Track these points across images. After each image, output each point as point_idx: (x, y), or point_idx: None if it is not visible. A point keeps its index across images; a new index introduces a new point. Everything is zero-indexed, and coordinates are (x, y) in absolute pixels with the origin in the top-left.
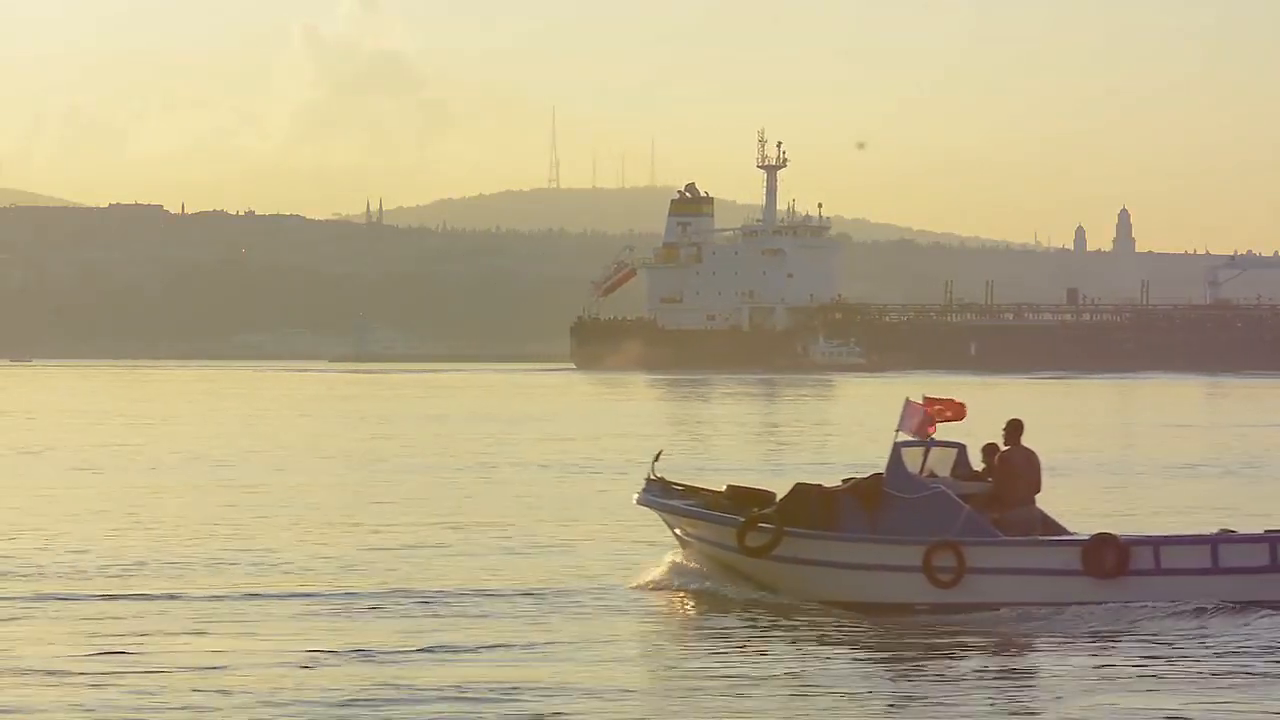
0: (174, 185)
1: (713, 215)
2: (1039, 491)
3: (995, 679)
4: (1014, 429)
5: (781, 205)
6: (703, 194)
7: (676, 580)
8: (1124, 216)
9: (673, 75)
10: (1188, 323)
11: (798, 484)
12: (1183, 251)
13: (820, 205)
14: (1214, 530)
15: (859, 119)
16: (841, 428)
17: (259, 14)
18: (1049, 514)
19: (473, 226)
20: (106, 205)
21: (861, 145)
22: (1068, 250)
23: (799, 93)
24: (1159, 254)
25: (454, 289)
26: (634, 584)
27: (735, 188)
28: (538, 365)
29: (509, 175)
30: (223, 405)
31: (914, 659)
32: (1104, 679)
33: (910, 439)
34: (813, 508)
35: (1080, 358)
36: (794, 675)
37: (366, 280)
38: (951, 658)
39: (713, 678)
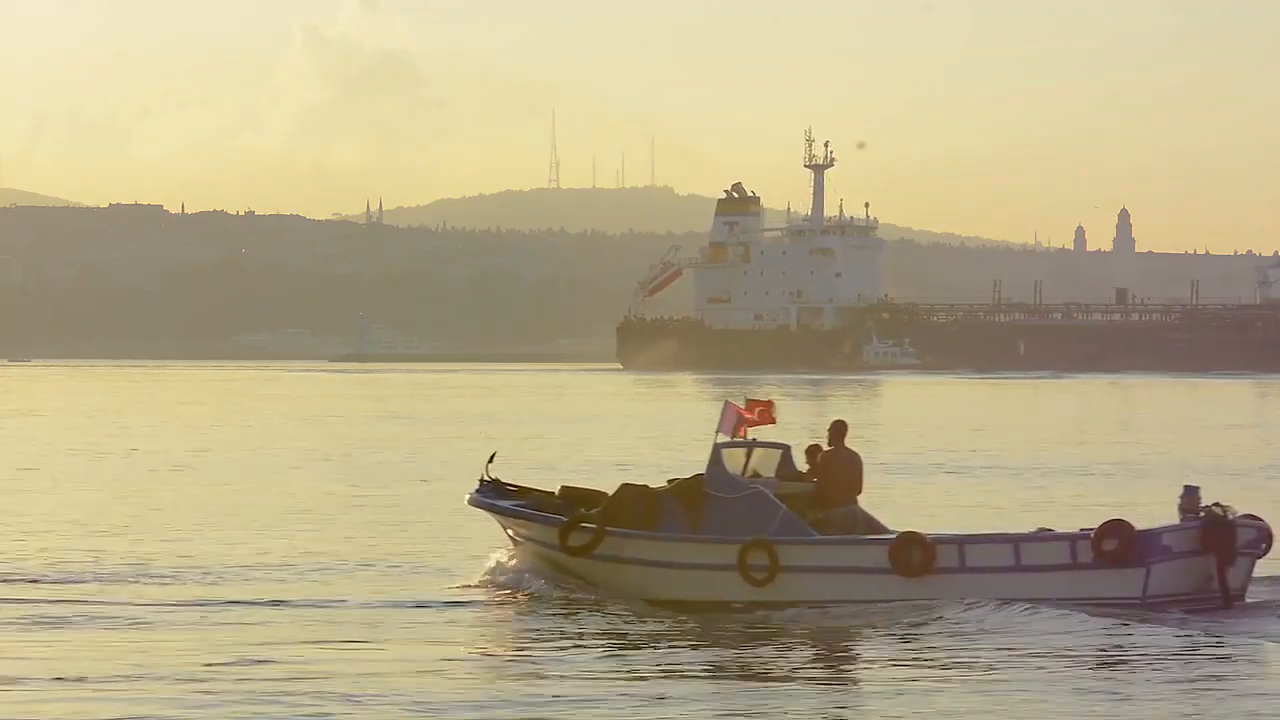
0: (174, 185)
1: (760, 215)
2: (860, 492)
3: (796, 677)
4: (837, 430)
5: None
6: (749, 194)
7: (506, 580)
8: (1124, 216)
9: (673, 76)
10: (1237, 322)
11: (623, 484)
12: (1183, 251)
13: (867, 205)
14: (1033, 529)
15: (859, 119)
16: (897, 429)
17: (260, 14)
18: (870, 513)
19: (473, 226)
20: (106, 205)
21: (861, 145)
22: (1067, 250)
23: (799, 93)
24: (1159, 254)
25: (454, 289)
26: (465, 583)
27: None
28: (583, 366)
29: (509, 175)
30: (334, 409)
31: (723, 660)
32: (898, 678)
33: (730, 440)
34: (636, 508)
35: (1130, 358)
36: (613, 675)
37: (366, 280)
38: (761, 657)
39: (524, 676)
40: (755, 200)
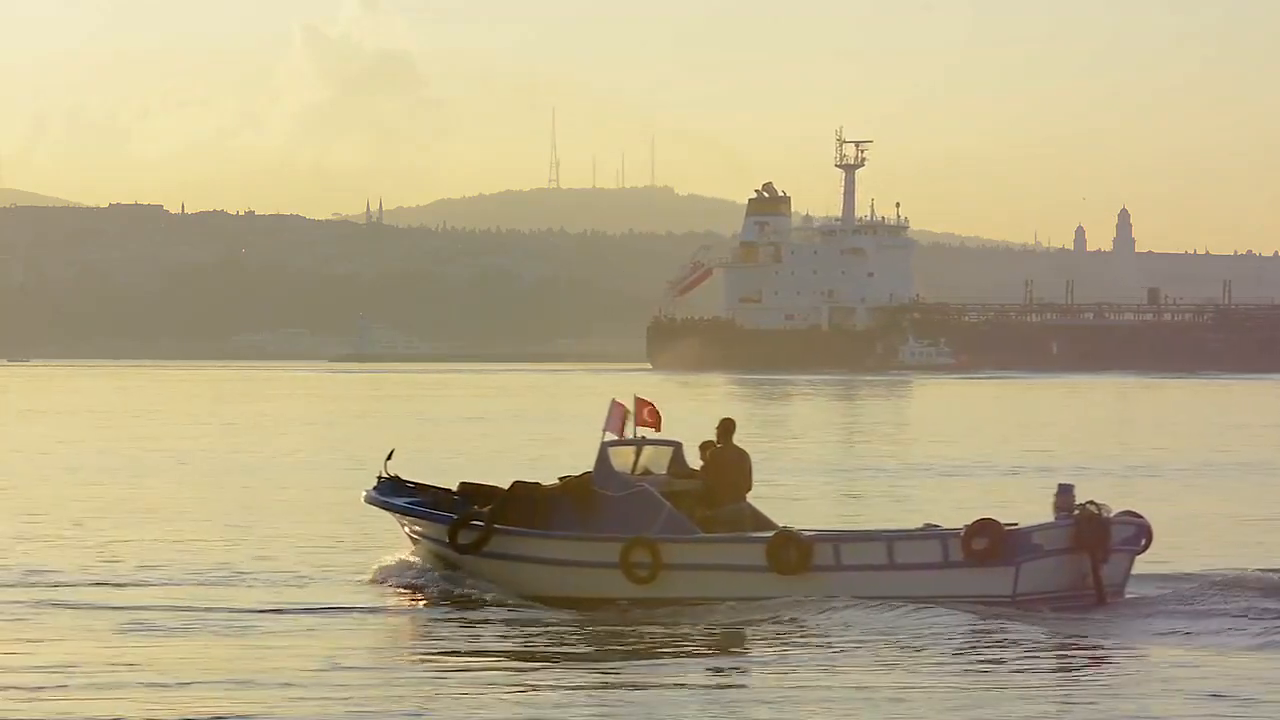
0: (174, 185)
1: (790, 215)
2: (749, 489)
3: (677, 674)
4: (725, 428)
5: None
6: (780, 193)
7: (401, 577)
8: (1124, 216)
9: (674, 75)
10: (1272, 322)
11: (515, 482)
12: (1182, 251)
13: (898, 205)
14: (920, 526)
15: (858, 119)
16: (930, 428)
17: (260, 14)
18: (760, 510)
19: (473, 226)
20: (106, 205)
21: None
22: (1067, 250)
23: (799, 93)
24: (1159, 254)
25: (454, 289)
26: (362, 580)
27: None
28: (611, 366)
29: (509, 175)
30: (373, 409)
31: (605, 659)
32: (771, 676)
33: (618, 439)
34: (526, 505)
35: (1163, 358)
36: (498, 674)
37: (366, 280)
38: (642, 654)
39: (413, 676)
40: (786, 200)
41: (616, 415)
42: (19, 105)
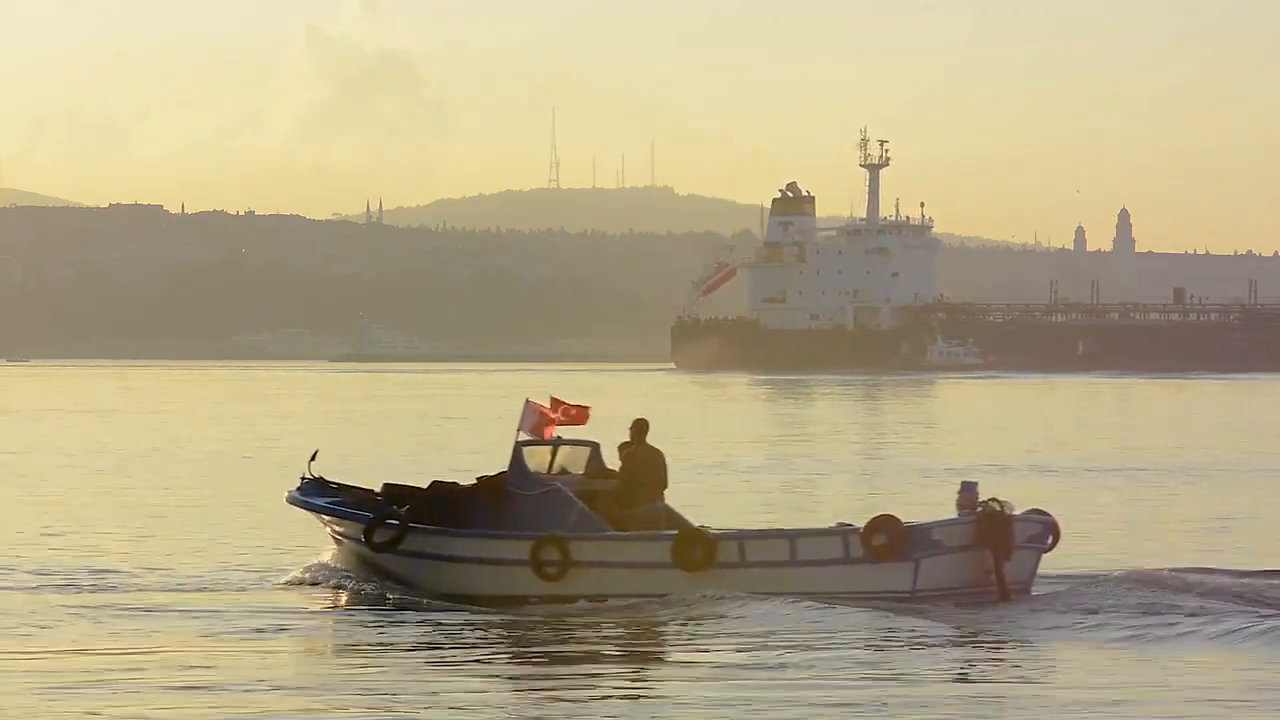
0: (174, 185)
1: (814, 215)
2: (665, 488)
3: (585, 671)
4: (639, 428)
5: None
6: (804, 193)
7: (320, 576)
8: (1124, 216)
9: (674, 75)
10: None
11: (433, 482)
12: (1182, 251)
13: (923, 205)
14: (834, 524)
15: (858, 119)
16: (960, 429)
17: (261, 14)
18: (675, 509)
19: (473, 226)
20: (106, 205)
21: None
22: (1067, 250)
23: (799, 93)
24: (1159, 254)
25: (454, 289)
26: (284, 580)
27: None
28: (638, 366)
29: (509, 175)
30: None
31: (515, 655)
32: (674, 672)
33: (532, 438)
34: (444, 505)
35: (1190, 358)
36: (409, 673)
37: (366, 280)
38: (553, 651)
39: (323, 675)
40: (810, 200)
41: (531, 415)
42: (19, 105)
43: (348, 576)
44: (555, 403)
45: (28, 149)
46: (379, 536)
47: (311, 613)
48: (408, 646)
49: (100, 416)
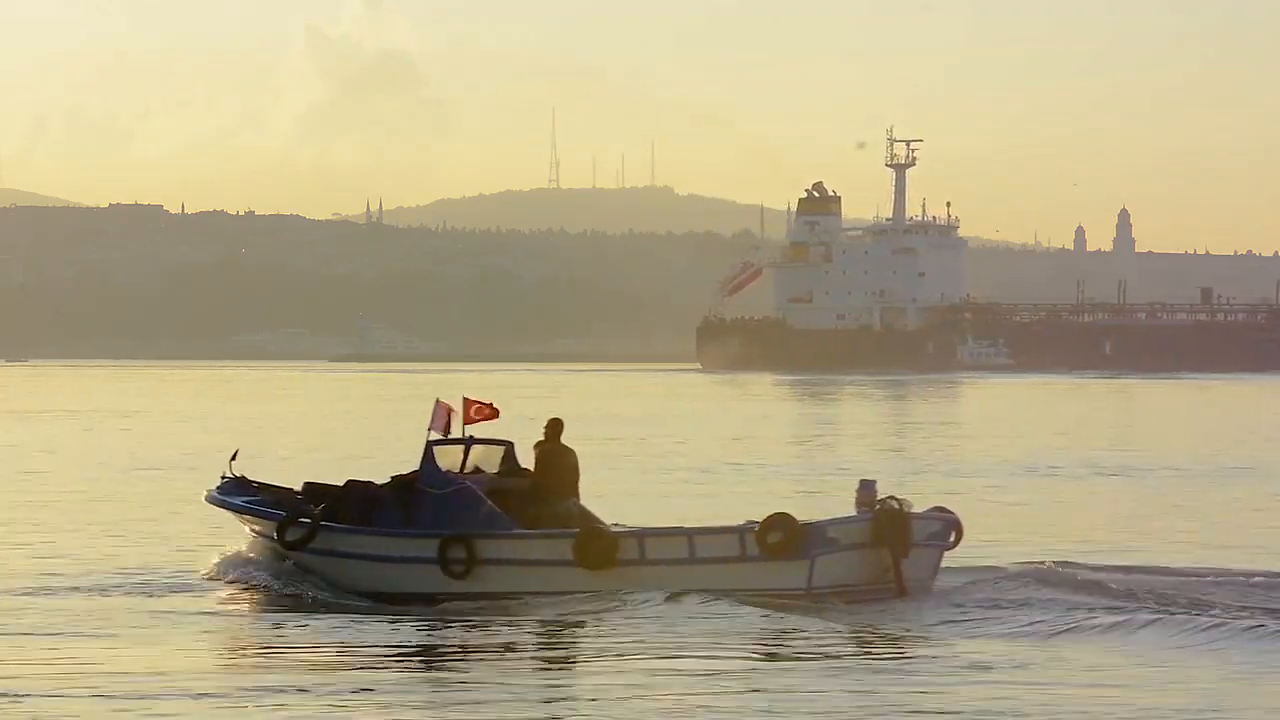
0: (174, 185)
1: (840, 214)
2: (576, 486)
3: (487, 668)
4: (553, 427)
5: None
6: (830, 193)
7: (236, 574)
8: (1124, 216)
9: (674, 75)
10: None
11: (348, 480)
12: (1182, 251)
13: (949, 204)
14: (743, 522)
15: (858, 119)
16: (989, 428)
17: (262, 14)
18: (588, 508)
19: (473, 226)
20: (106, 205)
21: (862, 145)
22: (1067, 250)
23: (800, 93)
24: (1159, 254)
25: (454, 289)
26: (202, 576)
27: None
28: (661, 366)
29: (509, 175)
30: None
31: (421, 650)
32: (569, 668)
33: (443, 437)
34: (355, 503)
35: (1218, 358)
36: (316, 668)
37: (366, 280)
38: (456, 649)
39: (231, 674)
40: (836, 200)
41: (441, 415)
42: (19, 105)
43: (264, 575)
44: (468, 402)
45: (28, 149)
46: (291, 535)
47: (224, 613)
48: (308, 646)
49: (61, 418)
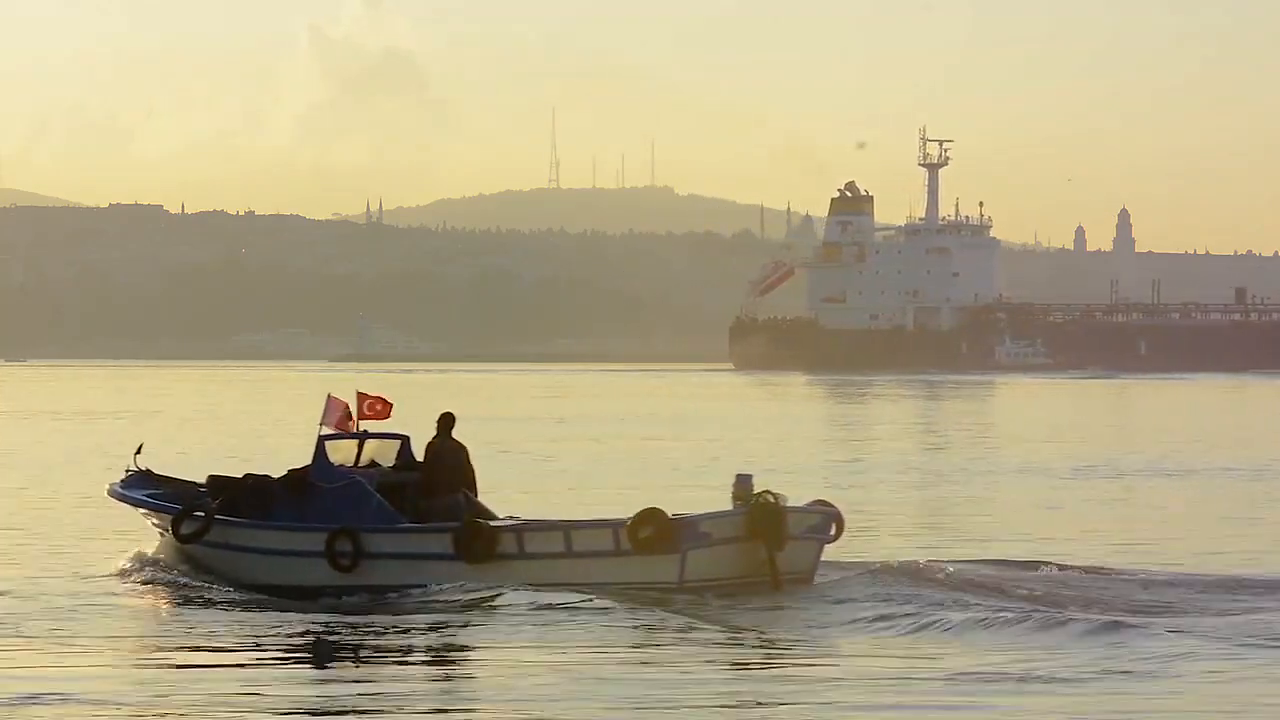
0: (174, 185)
1: (873, 214)
2: (466, 481)
3: (370, 663)
4: (444, 422)
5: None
6: (863, 193)
7: (138, 569)
8: (1124, 216)
9: (674, 75)
10: None
11: (246, 474)
12: (1182, 251)
13: (981, 204)
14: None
15: (858, 119)
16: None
17: (264, 14)
18: (481, 502)
19: (473, 226)
20: (106, 205)
21: (862, 145)
22: (1067, 250)
23: (800, 93)
24: (1159, 254)
25: (454, 289)
26: (107, 572)
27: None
28: (693, 366)
29: (509, 175)
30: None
31: (311, 644)
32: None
33: (334, 432)
34: (250, 497)
35: (1253, 357)
36: (214, 664)
37: (366, 280)
38: (342, 643)
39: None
40: (869, 199)
41: (333, 410)
42: (19, 105)
43: (164, 569)
44: (361, 397)
45: (28, 149)
46: (185, 529)
47: (124, 610)
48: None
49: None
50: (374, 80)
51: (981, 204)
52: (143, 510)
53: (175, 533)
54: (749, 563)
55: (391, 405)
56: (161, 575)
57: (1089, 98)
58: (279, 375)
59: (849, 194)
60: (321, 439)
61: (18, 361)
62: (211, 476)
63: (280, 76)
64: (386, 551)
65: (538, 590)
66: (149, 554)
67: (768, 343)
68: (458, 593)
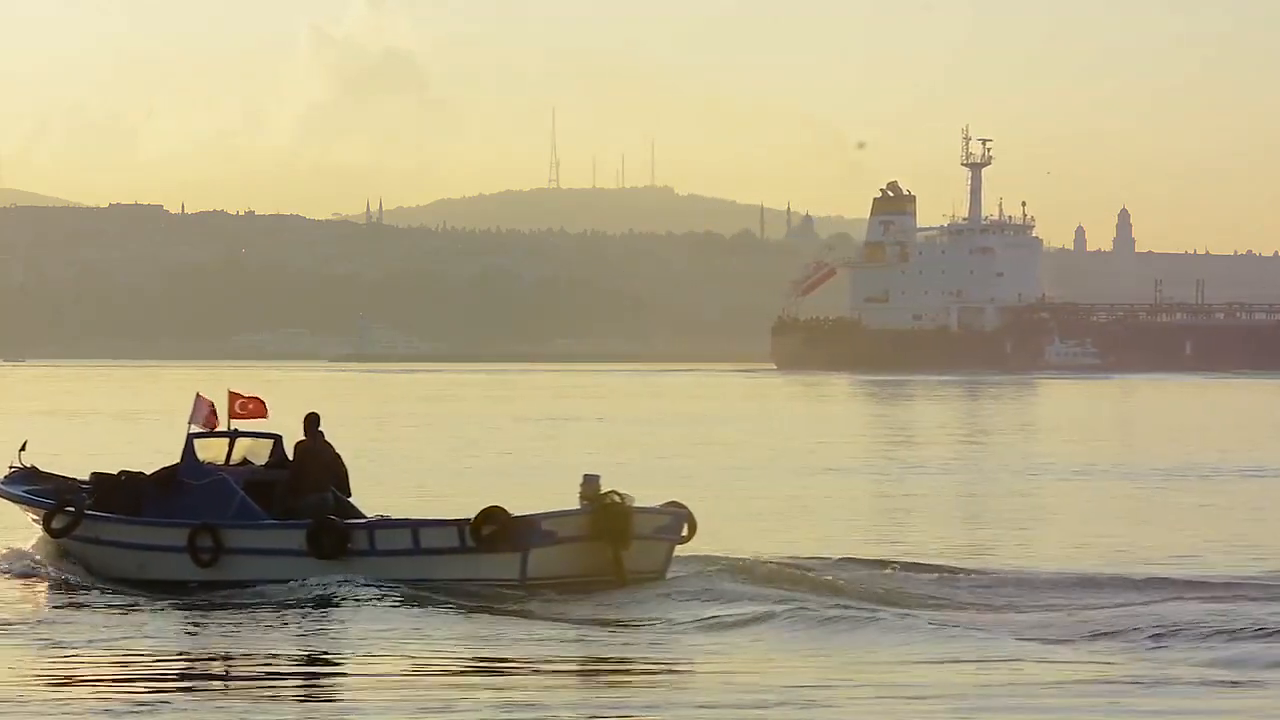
0: (174, 185)
1: (915, 214)
2: (337, 480)
3: (216, 657)
4: (310, 422)
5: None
6: (905, 192)
7: (11, 563)
8: (1124, 216)
9: (674, 75)
10: None
11: (120, 471)
12: (1182, 251)
13: (1024, 204)
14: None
15: (858, 119)
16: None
17: (265, 14)
18: (350, 501)
19: (473, 226)
20: (106, 205)
21: (861, 145)
22: (1068, 250)
23: (800, 94)
24: (1159, 254)
25: (454, 289)
26: None
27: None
28: (736, 367)
29: (509, 175)
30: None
31: (169, 640)
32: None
33: (203, 430)
34: (122, 493)
35: None
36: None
37: (366, 280)
38: (196, 638)
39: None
40: (911, 199)
41: (201, 408)
42: (19, 105)
43: (36, 563)
44: (233, 396)
45: (28, 149)
46: (57, 523)
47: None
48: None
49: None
50: (374, 80)
51: (1024, 204)
52: (21, 505)
53: (47, 527)
54: (593, 561)
55: (265, 404)
56: (33, 568)
57: (1089, 98)
58: (277, 376)
59: (891, 194)
60: (191, 437)
61: (17, 361)
62: (94, 473)
63: (281, 76)
64: (245, 547)
65: (381, 587)
66: (24, 549)
67: (810, 343)
68: (307, 589)
